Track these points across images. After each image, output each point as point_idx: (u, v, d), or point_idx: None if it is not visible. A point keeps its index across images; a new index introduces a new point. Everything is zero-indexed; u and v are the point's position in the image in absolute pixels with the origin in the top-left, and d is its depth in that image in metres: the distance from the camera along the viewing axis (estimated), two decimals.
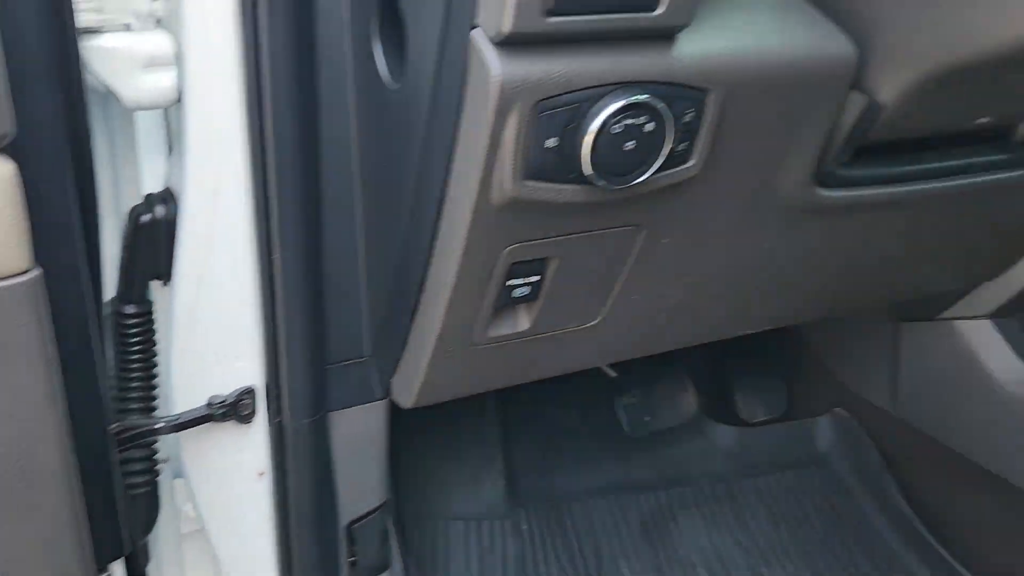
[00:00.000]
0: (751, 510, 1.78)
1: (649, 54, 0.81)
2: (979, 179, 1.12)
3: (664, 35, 0.81)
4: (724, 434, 1.95)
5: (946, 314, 1.50)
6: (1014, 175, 1.14)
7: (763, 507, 1.79)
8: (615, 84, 0.80)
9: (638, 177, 0.85)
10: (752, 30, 0.90)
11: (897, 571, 1.66)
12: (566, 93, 0.78)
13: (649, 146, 0.84)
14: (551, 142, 0.80)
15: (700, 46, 0.84)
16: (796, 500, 1.81)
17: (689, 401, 2.02)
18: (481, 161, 0.81)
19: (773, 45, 0.90)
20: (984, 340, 1.46)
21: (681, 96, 0.84)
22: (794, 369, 2.01)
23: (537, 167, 0.82)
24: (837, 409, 1.90)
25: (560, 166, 0.82)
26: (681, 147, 0.87)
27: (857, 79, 0.93)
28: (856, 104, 0.95)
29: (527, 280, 0.98)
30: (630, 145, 0.82)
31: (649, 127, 0.82)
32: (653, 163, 0.85)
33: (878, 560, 1.68)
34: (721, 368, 2.04)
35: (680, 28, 0.81)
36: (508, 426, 1.88)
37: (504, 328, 1.03)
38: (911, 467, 1.75)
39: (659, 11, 0.77)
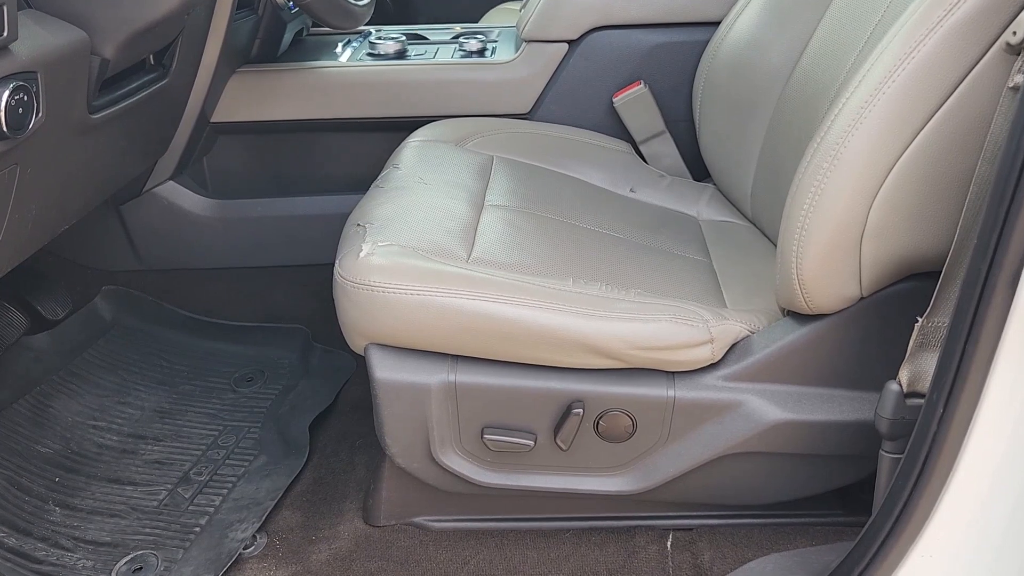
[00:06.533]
0: None
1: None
2: (145, 92, 1.74)
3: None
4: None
5: (146, 188, 2.19)
6: (157, 87, 1.79)
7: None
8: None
9: (27, 129, 1.31)
10: None
11: None
12: None
13: (28, 109, 1.31)
14: None
15: (28, 44, 1.29)
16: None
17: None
18: None
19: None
20: (176, 192, 2.20)
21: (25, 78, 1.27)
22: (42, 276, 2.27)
23: None
24: (107, 287, 2.31)
25: None
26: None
27: (92, 48, 1.47)
28: (95, 62, 1.49)
29: None
30: (20, 110, 1.29)
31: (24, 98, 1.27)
32: (32, 120, 1.34)
33: None
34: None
35: (10, 41, 1.22)
36: None
37: None
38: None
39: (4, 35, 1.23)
